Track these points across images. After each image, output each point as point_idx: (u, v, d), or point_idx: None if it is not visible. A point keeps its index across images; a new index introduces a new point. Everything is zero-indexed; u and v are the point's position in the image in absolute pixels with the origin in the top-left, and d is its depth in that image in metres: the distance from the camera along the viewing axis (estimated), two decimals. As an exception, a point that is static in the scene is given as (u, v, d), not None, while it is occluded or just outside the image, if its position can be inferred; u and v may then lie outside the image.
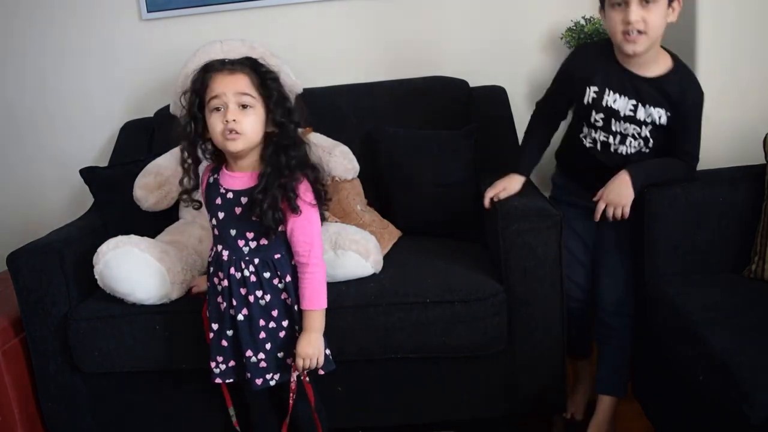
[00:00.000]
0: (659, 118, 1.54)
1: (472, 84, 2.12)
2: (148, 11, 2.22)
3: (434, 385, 1.63)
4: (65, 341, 1.61)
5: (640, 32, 1.46)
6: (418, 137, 1.96)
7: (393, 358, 1.57)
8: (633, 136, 1.57)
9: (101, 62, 2.28)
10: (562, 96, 1.68)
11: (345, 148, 1.95)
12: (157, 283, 1.56)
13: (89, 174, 1.91)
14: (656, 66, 1.54)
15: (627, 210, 1.53)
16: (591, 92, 1.58)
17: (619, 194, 1.53)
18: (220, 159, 1.38)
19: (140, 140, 2.14)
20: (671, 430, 1.54)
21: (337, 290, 1.56)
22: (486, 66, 2.20)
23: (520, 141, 1.82)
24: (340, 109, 2.09)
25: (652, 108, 1.54)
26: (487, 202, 1.65)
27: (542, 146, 1.74)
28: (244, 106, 1.28)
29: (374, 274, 1.61)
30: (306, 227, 1.33)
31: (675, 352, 1.43)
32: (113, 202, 1.88)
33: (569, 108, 1.70)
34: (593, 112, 1.59)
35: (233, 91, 1.27)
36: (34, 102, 2.32)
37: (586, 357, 1.83)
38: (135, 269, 1.53)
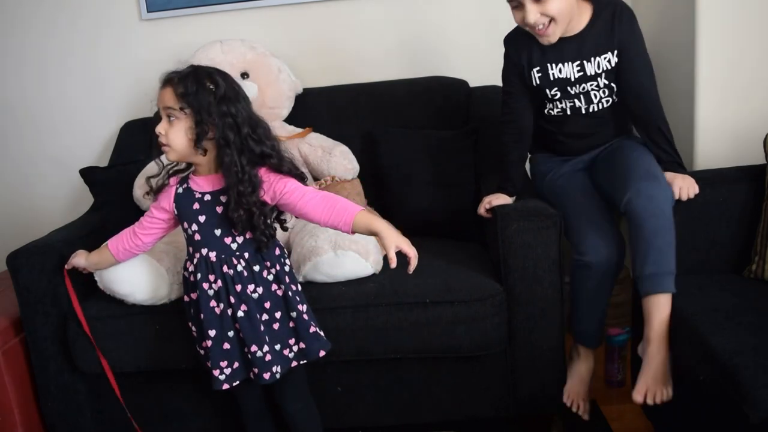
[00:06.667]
0: (608, 62, 1.55)
1: (472, 84, 2.12)
2: (148, 11, 2.22)
3: (434, 385, 1.63)
4: (65, 341, 1.62)
5: (546, 24, 1.48)
6: (418, 137, 1.96)
7: (393, 358, 1.57)
8: (594, 91, 1.59)
9: (101, 62, 2.28)
10: (521, 89, 1.66)
11: (345, 148, 1.95)
12: (157, 284, 1.56)
13: (89, 174, 1.91)
14: (580, 18, 1.55)
15: (695, 185, 1.52)
16: (535, 74, 1.61)
17: (683, 177, 1.53)
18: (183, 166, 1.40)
19: (140, 140, 2.13)
20: (671, 430, 1.53)
21: (337, 290, 1.57)
22: (486, 66, 2.20)
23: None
24: (340, 109, 2.09)
25: (597, 58, 1.55)
26: (482, 212, 1.66)
27: (522, 159, 1.74)
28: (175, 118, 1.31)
29: (374, 274, 1.61)
30: (298, 188, 1.32)
31: (675, 352, 1.43)
32: (113, 202, 1.88)
33: (532, 101, 1.67)
34: (547, 90, 1.62)
35: (162, 105, 1.32)
36: (34, 102, 2.32)
37: (592, 347, 1.68)
38: (135, 270, 1.53)
